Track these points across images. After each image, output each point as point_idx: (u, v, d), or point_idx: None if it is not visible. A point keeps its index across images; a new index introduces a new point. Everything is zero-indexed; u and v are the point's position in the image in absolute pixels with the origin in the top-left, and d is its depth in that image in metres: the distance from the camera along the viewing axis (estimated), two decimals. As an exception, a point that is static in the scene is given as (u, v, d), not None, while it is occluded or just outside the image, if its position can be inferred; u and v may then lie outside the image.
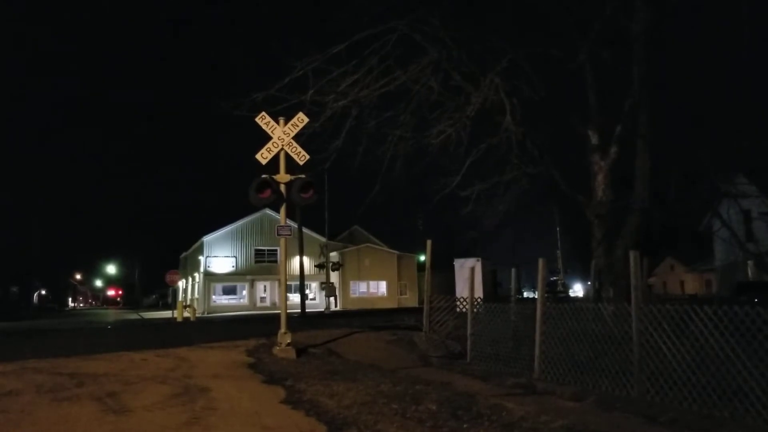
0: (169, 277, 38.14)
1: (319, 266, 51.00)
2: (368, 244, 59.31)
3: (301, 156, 12.27)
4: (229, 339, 14.60)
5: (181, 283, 59.68)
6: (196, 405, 6.88)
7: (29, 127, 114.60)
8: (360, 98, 13.37)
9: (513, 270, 13.47)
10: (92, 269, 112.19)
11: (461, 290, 25.16)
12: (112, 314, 59.82)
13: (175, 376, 8.95)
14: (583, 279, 73.85)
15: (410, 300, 57.20)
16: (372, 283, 57.46)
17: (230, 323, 27.17)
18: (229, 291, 53.88)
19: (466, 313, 12.46)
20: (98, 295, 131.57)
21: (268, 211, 49.50)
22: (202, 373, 9.30)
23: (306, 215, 42.37)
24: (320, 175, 28.13)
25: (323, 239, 49.78)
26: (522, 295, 57.26)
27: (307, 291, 45.43)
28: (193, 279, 57.33)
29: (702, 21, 14.24)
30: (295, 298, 39.26)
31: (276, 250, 52.05)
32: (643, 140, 12.78)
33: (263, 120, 12.19)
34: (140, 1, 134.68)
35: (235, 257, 53.80)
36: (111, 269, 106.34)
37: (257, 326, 20.04)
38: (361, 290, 56.94)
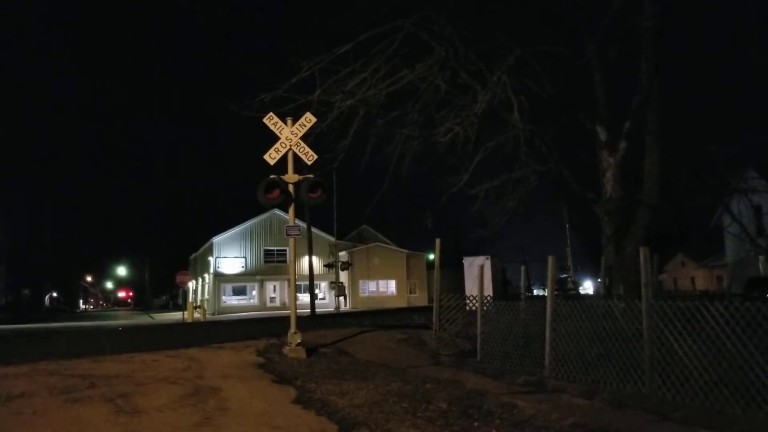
0: (179, 278, 38.30)
1: (329, 266, 51.07)
2: (377, 243, 59.32)
3: (309, 156, 12.29)
4: (239, 339, 14.63)
5: (191, 284, 59.91)
6: (207, 405, 6.90)
7: (37, 130, 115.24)
8: (367, 97, 13.38)
9: (522, 268, 13.50)
10: (103, 271, 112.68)
11: (471, 288, 25.17)
12: (122, 316, 60.11)
13: (186, 377, 8.99)
14: (593, 276, 73.81)
15: (420, 299, 57.17)
16: (381, 282, 57.44)
17: (240, 323, 27.22)
18: (239, 291, 54.01)
19: (475, 312, 12.45)
20: (109, 297, 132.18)
21: (277, 211, 49.62)
22: (213, 374, 9.34)
23: (315, 215, 42.51)
24: (328, 174, 28.25)
25: (332, 239, 49.86)
26: (532, 292, 57.25)
27: (316, 291, 45.50)
28: (203, 280, 57.53)
29: (710, 16, 14.16)
30: (304, 298, 39.34)
31: (285, 250, 52.09)
32: (652, 136, 12.72)
33: (271, 121, 12.22)
34: (147, 1, 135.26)
35: (245, 258, 53.92)
36: (121, 271, 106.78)
37: (267, 326, 20.07)
38: (370, 289, 56.94)
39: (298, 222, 15.87)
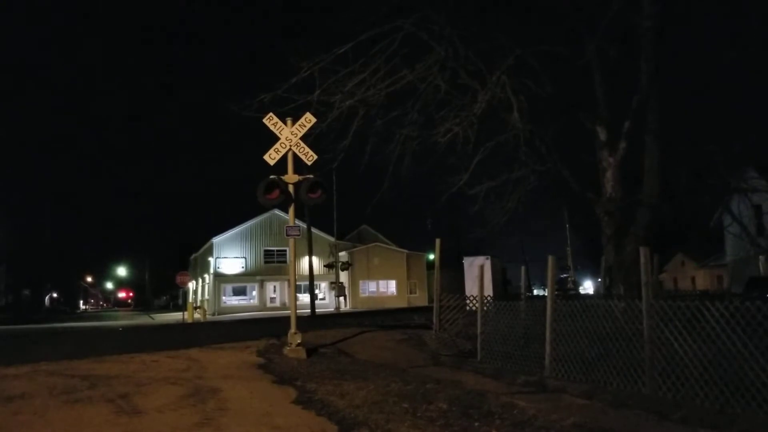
0: (179, 279, 38.33)
1: (329, 266, 51.09)
2: (377, 244, 59.30)
3: (308, 156, 12.29)
4: (239, 340, 14.63)
5: (191, 285, 59.90)
6: (207, 406, 6.90)
7: (37, 130, 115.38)
8: (367, 97, 13.37)
9: (523, 268, 13.49)
10: (103, 271, 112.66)
11: (471, 288, 25.18)
12: (123, 316, 60.13)
13: (186, 377, 8.99)
14: (594, 276, 73.88)
15: (420, 299, 57.14)
16: (381, 283, 57.42)
17: (240, 324, 27.23)
18: (239, 292, 54.01)
19: (476, 312, 12.45)
20: (109, 297, 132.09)
21: (277, 212, 49.59)
22: (213, 374, 9.34)
23: (315, 215, 42.53)
24: (328, 174, 28.25)
25: (332, 239, 49.88)
26: (532, 292, 57.27)
27: (316, 291, 45.51)
28: (203, 280, 57.53)
29: (710, 16, 14.14)
30: (304, 298, 39.37)
31: (285, 251, 52.07)
32: (652, 136, 12.72)
33: (271, 121, 12.22)
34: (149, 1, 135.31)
35: (245, 258, 53.92)
36: (121, 271, 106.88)
37: (267, 327, 20.08)
38: (370, 289, 56.92)
39: (298, 222, 15.87)
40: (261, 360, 11.14)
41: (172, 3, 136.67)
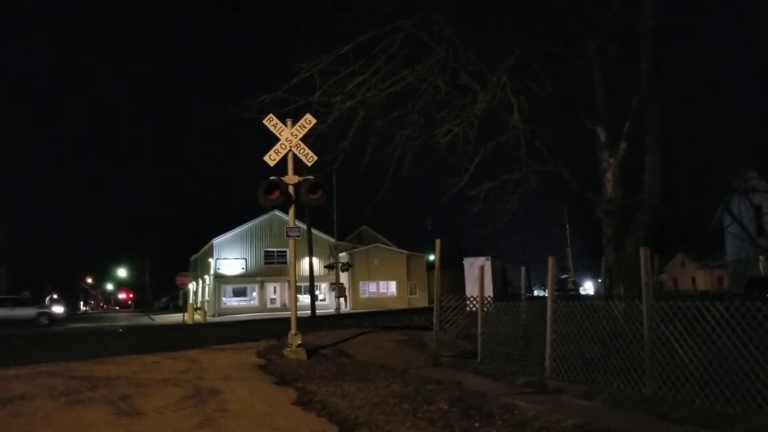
0: (179, 280, 38.33)
1: (329, 267, 51.06)
2: (377, 244, 59.30)
3: (309, 157, 12.29)
4: (239, 341, 14.65)
5: (191, 286, 59.85)
6: (207, 407, 6.91)
7: (39, 132, 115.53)
8: (367, 98, 13.35)
9: (523, 268, 13.48)
10: (103, 272, 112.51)
11: (471, 289, 25.20)
12: (123, 317, 60.11)
13: (186, 379, 8.99)
14: (594, 276, 73.85)
15: (420, 300, 57.15)
16: (381, 283, 57.43)
17: (241, 325, 27.24)
18: (240, 293, 53.97)
19: (476, 313, 12.43)
20: (109, 299, 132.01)
21: (278, 213, 49.56)
22: (214, 375, 9.34)
23: (315, 216, 42.51)
24: (329, 175, 28.25)
25: (332, 240, 49.83)
26: (532, 293, 57.27)
27: (317, 292, 45.49)
28: (204, 281, 57.50)
29: (710, 15, 14.15)
30: (305, 299, 39.37)
31: (285, 252, 52.03)
32: (652, 136, 12.71)
33: (271, 122, 12.23)
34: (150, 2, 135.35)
35: (245, 259, 53.89)
36: (122, 272, 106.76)
37: (268, 328, 20.08)
38: (370, 290, 56.93)
39: (299, 223, 15.87)
40: (261, 361, 11.14)
41: (172, 3, 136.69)
